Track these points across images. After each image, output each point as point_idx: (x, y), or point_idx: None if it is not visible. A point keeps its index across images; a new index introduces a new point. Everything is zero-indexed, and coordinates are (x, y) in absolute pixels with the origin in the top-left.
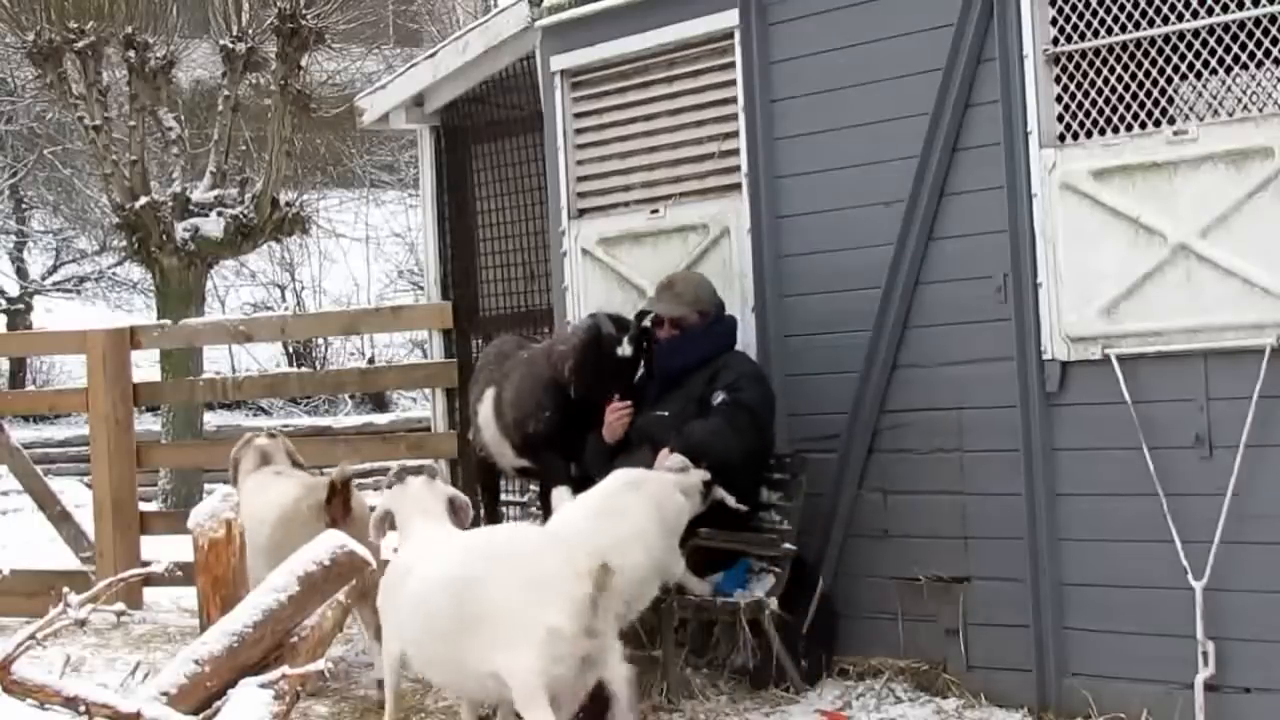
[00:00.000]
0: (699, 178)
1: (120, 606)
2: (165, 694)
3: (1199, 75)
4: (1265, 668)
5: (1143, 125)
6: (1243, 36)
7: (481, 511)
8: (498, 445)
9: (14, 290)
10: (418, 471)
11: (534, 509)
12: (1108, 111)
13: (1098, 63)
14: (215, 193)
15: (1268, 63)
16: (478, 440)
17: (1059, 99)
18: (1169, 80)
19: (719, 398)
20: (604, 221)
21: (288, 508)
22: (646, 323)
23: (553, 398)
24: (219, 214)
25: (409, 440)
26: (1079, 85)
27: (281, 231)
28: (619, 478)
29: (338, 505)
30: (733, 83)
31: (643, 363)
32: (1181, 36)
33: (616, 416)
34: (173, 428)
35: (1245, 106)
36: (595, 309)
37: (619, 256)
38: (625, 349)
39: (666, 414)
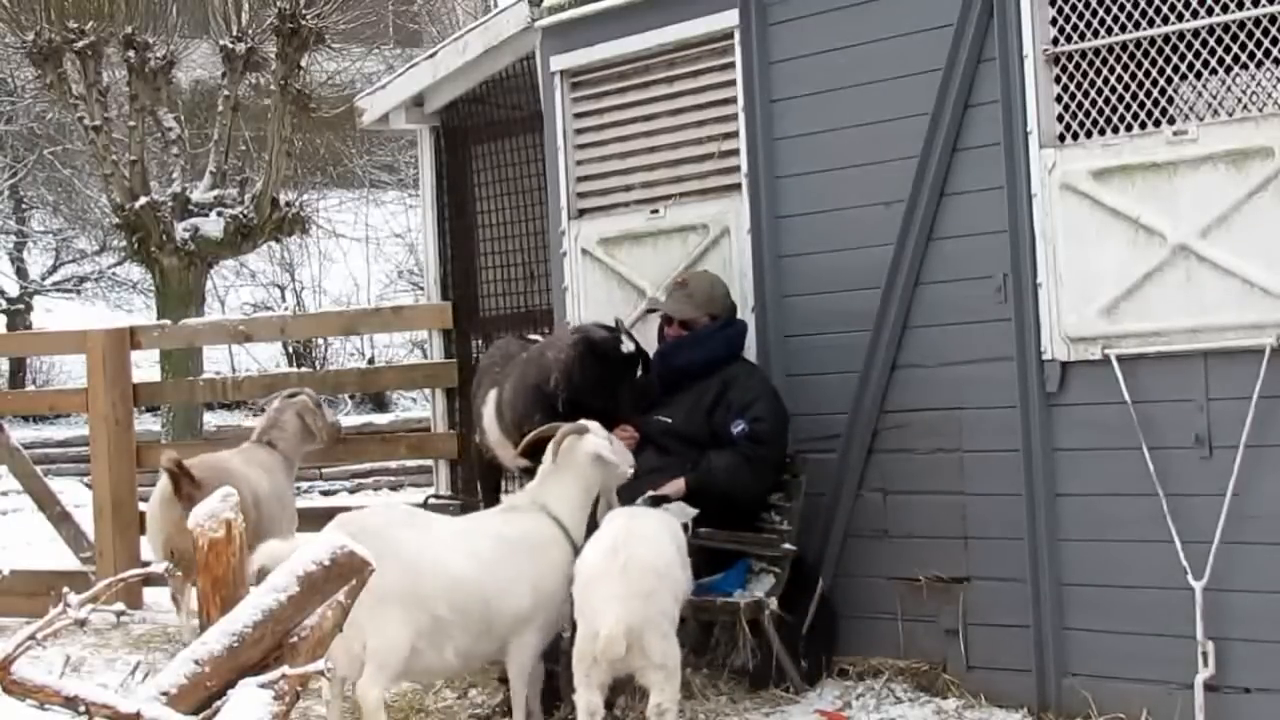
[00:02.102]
0: (699, 178)
1: (120, 606)
2: (165, 694)
3: (1199, 75)
4: (1265, 668)
5: (1143, 125)
6: (1243, 36)
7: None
8: (501, 446)
9: (14, 290)
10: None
11: None
12: (1107, 111)
13: (1097, 63)
14: (215, 193)
15: (1268, 63)
16: (483, 441)
17: (1059, 99)
18: (1169, 80)
19: (739, 427)
20: (604, 222)
21: (162, 490)
22: (654, 318)
23: (539, 403)
24: (219, 214)
25: (409, 440)
26: (1079, 85)
27: (281, 231)
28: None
29: (186, 485)
30: (733, 83)
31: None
32: (1181, 36)
33: (624, 442)
34: (173, 428)
35: (1245, 106)
36: (594, 310)
37: (619, 257)
38: (628, 345)
39: (670, 420)
